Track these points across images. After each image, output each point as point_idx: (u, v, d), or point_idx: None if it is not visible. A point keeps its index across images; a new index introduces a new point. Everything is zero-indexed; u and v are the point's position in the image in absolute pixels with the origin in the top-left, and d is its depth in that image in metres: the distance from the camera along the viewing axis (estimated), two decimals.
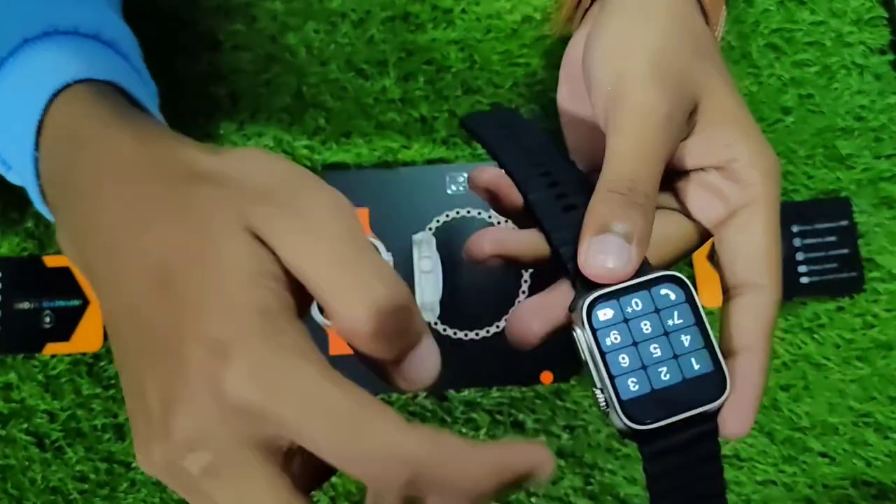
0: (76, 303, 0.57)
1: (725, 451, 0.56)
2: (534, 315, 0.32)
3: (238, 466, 0.25)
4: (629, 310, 0.30)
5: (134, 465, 0.56)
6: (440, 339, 0.56)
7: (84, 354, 0.57)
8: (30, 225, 0.58)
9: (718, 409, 0.31)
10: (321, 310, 0.27)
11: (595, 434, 0.57)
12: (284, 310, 0.26)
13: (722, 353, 0.32)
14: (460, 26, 0.60)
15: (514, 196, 0.34)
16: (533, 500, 0.56)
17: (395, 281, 0.26)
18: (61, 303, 0.57)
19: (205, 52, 0.60)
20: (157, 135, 0.30)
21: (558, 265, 0.32)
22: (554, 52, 0.60)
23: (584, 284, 0.31)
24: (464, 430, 0.56)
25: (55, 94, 0.34)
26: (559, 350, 0.54)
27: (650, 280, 0.31)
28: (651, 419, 0.30)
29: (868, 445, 0.57)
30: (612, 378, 0.30)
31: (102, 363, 0.57)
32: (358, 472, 0.24)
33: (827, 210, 0.59)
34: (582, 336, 0.31)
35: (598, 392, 0.30)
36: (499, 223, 0.57)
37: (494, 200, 0.35)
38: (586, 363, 0.31)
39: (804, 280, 0.58)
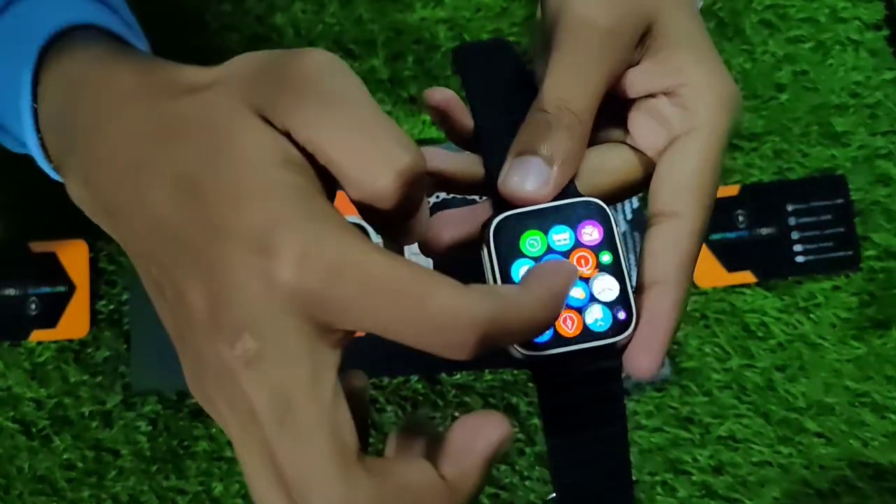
0: (62, 289, 0.57)
1: (720, 431, 0.56)
2: (447, 223, 0.31)
3: (283, 356, 0.24)
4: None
5: (123, 452, 0.55)
6: None
7: (71, 341, 0.56)
8: (15, 210, 0.57)
9: (623, 346, 0.29)
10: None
11: None
12: (320, 191, 0.25)
13: (637, 286, 0.30)
14: (449, 5, 0.59)
15: (465, 120, 0.33)
16: (527, 483, 0.55)
17: (413, 147, 0.26)
18: (47, 289, 0.57)
19: (192, 32, 0.59)
20: (154, 64, 0.30)
21: (488, 186, 0.31)
22: None
23: (501, 205, 0.30)
24: (456, 413, 0.56)
25: (48, 42, 0.34)
26: None
27: (568, 205, 0.29)
28: (544, 347, 0.28)
29: (865, 425, 0.56)
30: None
31: (89, 350, 0.56)
32: (427, 344, 0.24)
33: (822, 188, 0.58)
34: (485, 255, 0.29)
35: None
36: None
37: (443, 121, 0.33)
38: (489, 284, 0.29)
39: (800, 259, 0.58)
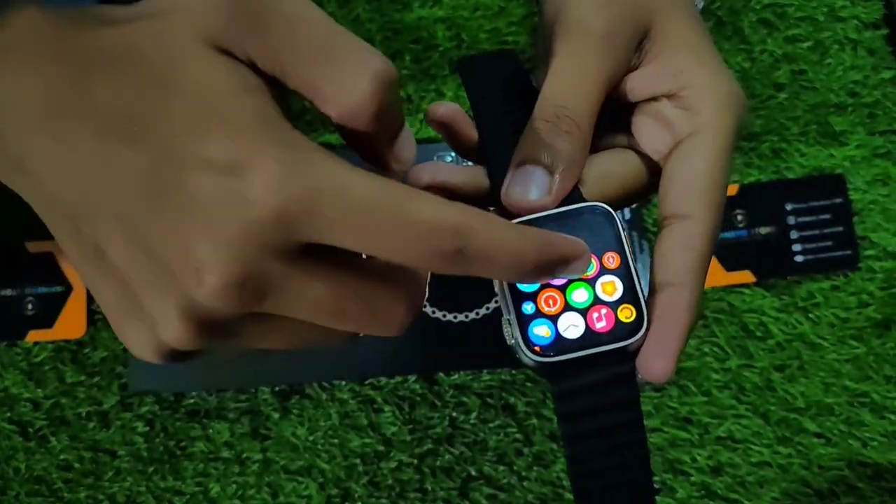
0: (59, 289, 0.56)
1: (719, 432, 0.56)
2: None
3: (295, 279, 0.23)
4: None
5: (120, 453, 0.55)
6: (430, 323, 0.55)
7: (67, 341, 0.56)
8: (11, 210, 0.57)
9: (636, 350, 0.29)
10: None
11: None
12: (283, 117, 0.24)
13: (649, 288, 0.30)
14: (447, 4, 0.59)
15: (470, 133, 0.33)
16: (525, 483, 0.55)
17: (381, 54, 0.25)
18: (44, 289, 0.57)
19: None
20: (80, 5, 0.27)
21: (494, 197, 0.31)
22: None
23: (508, 215, 0.30)
24: (454, 413, 0.55)
25: None
26: None
27: (572, 211, 0.29)
28: (556, 352, 0.28)
29: (864, 426, 0.56)
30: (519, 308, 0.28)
31: (86, 350, 0.56)
32: (405, 255, 0.23)
33: (821, 187, 0.58)
34: None
35: (505, 325, 0.29)
36: None
37: (449, 135, 0.33)
38: (497, 293, 0.29)
39: (798, 259, 0.58)
